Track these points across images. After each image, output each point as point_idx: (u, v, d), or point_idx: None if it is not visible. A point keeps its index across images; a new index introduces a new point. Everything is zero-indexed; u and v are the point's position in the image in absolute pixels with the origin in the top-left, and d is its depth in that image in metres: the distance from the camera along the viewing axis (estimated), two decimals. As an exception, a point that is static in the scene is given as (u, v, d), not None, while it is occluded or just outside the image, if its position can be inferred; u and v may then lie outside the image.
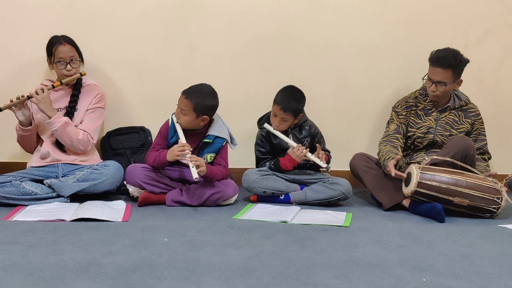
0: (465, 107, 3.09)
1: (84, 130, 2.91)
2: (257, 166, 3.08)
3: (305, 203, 2.91)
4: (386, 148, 2.98)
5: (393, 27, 3.36)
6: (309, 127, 3.06)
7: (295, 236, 2.31)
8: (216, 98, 2.82)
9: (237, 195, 2.88)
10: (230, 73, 3.34)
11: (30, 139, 2.94)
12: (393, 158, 2.85)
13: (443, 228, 2.54)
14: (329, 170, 2.94)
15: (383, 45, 3.37)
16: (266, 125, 2.98)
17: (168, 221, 2.50)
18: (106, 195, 2.84)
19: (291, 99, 2.93)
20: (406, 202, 2.86)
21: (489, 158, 3.13)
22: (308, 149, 2.92)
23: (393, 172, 2.80)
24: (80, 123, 2.94)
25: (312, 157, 2.88)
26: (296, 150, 2.88)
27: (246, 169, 2.99)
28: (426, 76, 2.99)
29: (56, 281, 1.74)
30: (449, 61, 2.88)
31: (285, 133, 3.00)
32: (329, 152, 3.09)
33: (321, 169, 3.02)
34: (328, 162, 3.01)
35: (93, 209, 2.57)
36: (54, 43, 2.91)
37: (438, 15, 3.36)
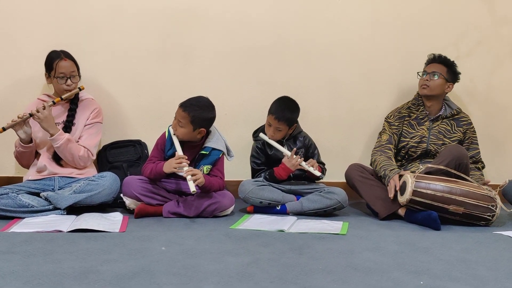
0: (457, 116, 3.14)
1: (84, 147, 2.92)
2: (252, 177, 3.09)
3: (301, 213, 2.92)
4: (381, 157, 3.02)
5: (386, 38, 3.42)
6: (303, 138, 3.09)
7: (292, 244, 2.32)
8: (214, 111, 2.84)
9: (233, 206, 2.88)
10: (225, 84, 3.37)
11: (29, 155, 2.95)
12: (398, 173, 2.87)
13: (439, 235, 2.56)
14: (322, 179, 2.98)
15: (377, 55, 3.42)
16: (261, 135, 3.01)
17: (165, 231, 2.51)
18: (102, 207, 2.84)
19: (285, 109, 2.98)
20: (402, 211, 2.88)
21: (483, 167, 3.16)
22: (302, 158, 2.94)
23: (393, 191, 2.83)
24: (79, 138, 2.96)
25: (306, 166, 2.90)
26: (290, 159, 2.90)
27: (242, 181, 3.01)
28: (421, 72, 3.11)
29: (55, 288, 1.74)
30: (444, 58, 3.11)
31: (280, 144, 3.02)
32: (323, 164, 3.11)
33: (316, 180, 3.05)
34: (323, 169, 3.04)
35: (90, 220, 2.57)
36: (54, 58, 2.93)
37: (429, 27, 3.42)
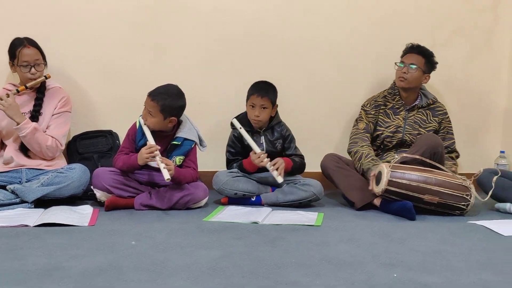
0: (432, 106, 3.12)
1: (52, 137, 2.83)
2: (227, 166, 3.04)
3: (276, 205, 2.88)
4: (364, 149, 2.99)
5: (363, 27, 3.38)
6: (281, 128, 3.03)
7: (266, 236, 2.28)
8: (183, 99, 2.78)
9: (207, 197, 2.83)
10: (200, 74, 3.30)
11: None
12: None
13: (414, 226, 2.55)
14: (282, 185, 2.88)
15: (353, 45, 3.39)
16: (234, 121, 2.90)
17: (136, 224, 2.44)
18: (72, 200, 2.76)
19: (265, 86, 2.97)
20: (377, 201, 2.86)
21: (457, 157, 3.17)
22: (269, 158, 2.84)
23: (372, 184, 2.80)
24: (47, 128, 2.87)
25: (269, 167, 2.81)
26: (256, 156, 2.83)
27: (217, 172, 2.95)
28: (399, 62, 3.09)
29: (17, 287, 1.66)
30: (422, 49, 3.08)
31: (258, 134, 2.98)
32: (302, 157, 3.04)
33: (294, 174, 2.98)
34: (297, 169, 2.96)
35: (58, 214, 2.50)
36: (17, 45, 2.83)
37: (406, 16, 3.39)
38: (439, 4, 3.41)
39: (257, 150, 2.85)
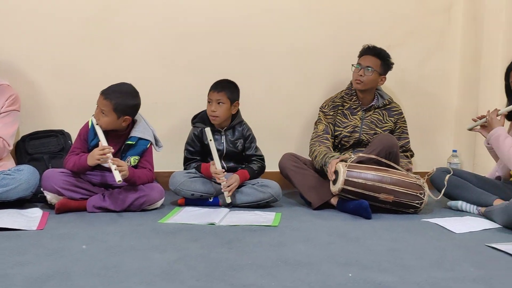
0: (388, 106, 3.17)
1: (0, 136, 2.70)
2: (183, 165, 2.99)
3: (234, 206, 2.85)
4: (321, 148, 3.00)
5: (321, 28, 3.40)
6: (242, 128, 3.01)
7: (223, 237, 2.25)
8: (138, 98, 2.71)
9: (163, 199, 2.77)
10: (156, 73, 3.24)
11: None
12: (337, 158, 2.86)
13: (369, 224, 2.57)
14: (230, 205, 2.83)
15: (311, 46, 3.40)
16: (207, 130, 2.80)
17: (88, 227, 2.36)
18: (20, 203, 2.65)
19: (225, 82, 2.95)
20: (334, 201, 2.87)
21: (412, 156, 3.22)
22: (225, 178, 2.80)
23: (331, 176, 2.80)
24: (-7, 127, 2.75)
25: (223, 186, 2.78)
26: (214, 171, 2.79)
27: (173, 172, 2.90)
28: (356, 64, 3.10)
29: (-45, 296, 1.57)
30: (379, 51, 3.10)
31: (219, 133, 2.94)
32: (262, 158, 3.02)
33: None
34: (254, 177, 2.94)
35: (4, 217, 2.39)
36: None
37: (362, 16, 3.44)
38: (394, 5, 3.47)
39: (219, 167, 2.80)
